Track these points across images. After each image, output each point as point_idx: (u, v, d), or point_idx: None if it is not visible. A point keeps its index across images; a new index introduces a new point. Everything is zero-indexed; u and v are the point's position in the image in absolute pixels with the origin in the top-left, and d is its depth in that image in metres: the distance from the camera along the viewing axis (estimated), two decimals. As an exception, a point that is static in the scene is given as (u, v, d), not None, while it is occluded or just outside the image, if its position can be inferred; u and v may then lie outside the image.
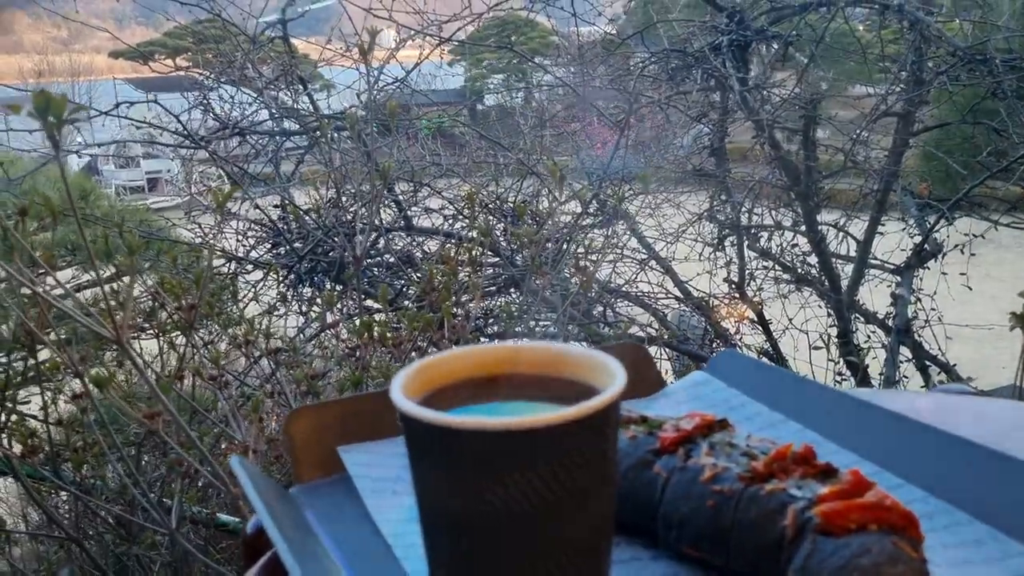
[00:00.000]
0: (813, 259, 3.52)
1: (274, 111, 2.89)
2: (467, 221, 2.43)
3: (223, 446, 1.81)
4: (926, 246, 3.91)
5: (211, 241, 2.52)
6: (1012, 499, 0.59)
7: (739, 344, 3.84)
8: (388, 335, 1.39)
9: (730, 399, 0.81)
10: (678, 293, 3.93)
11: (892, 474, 0.65)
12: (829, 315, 3.51)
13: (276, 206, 2.68)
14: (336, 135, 2.23)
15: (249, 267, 2.63)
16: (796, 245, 3.58)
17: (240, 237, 2.63)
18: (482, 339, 2.12)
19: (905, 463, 0.66)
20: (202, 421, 1.67)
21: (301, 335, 2.49)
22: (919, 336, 3.83)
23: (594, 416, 0.41)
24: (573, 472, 0.41)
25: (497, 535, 0.42)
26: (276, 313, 2.33)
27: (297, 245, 2.53)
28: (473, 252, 1.69)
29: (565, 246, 2.11)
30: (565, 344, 0.50)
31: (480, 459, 0.41)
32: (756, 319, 3.86)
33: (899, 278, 3.90)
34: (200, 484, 1.82)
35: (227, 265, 2.43)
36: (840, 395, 0.77)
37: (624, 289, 3.51)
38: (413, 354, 1.62)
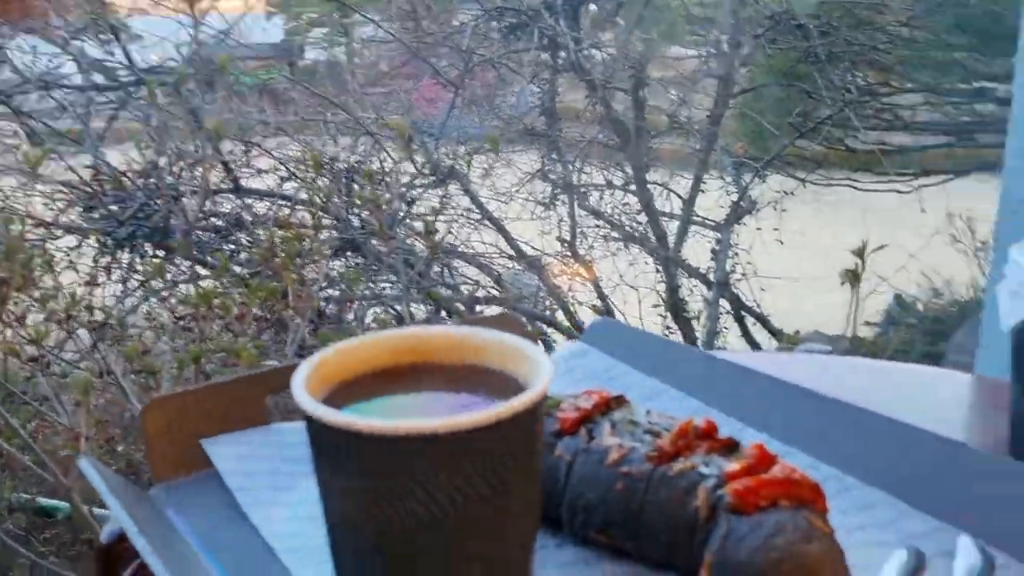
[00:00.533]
0: (643, 217, 3.63)
1: (83, 64, 2.64)
2: (301, 183, 2.32)
3: (39, 430, 1.65)
4: (742, 203, 4.13)
5: (15, 205, 2.28)
6: (898, 461, 0.61)
7: (572, 301, 3.91)
8: (231, 306, 1.30)
9: (610, 369, 0.80)
10: (512, 252, 3.95)
11: (778, 441, 0.66)
12: (658, 271, 3.64)
13: (88, 166, 2.46)
14: (156, 91, 2.06)
15: (58, 232, 2.40)
16: (627, 204, 3.67)
17: (48, 201, 2.40)
18: (323, 304, 2.04)
19: (789, 428, 0.67)
20: (17, 403, 1.52)
21: (121, 305, 2.31)
22: (736, 289, 4.05)
23: (525, 413, 0.38)
24: (502, 474, 0.38)
25: (416, 547, 0.39)
26: (96, 283, 2.15)
27: (114, 208, 2.34)
28: (316, 215, 1.61)
29: (406, 207, 2.06)
30: (483, 330, 0.47)
31: (399, 466, 0.38)
32: (588, 277, 3.95)
33: (718, 234, 4.11)
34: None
35: (37, 231, 2.21)
36: (717, 361, 0.78)
37: (460, 250, 3.49)
38: (254, 325, 1.53)
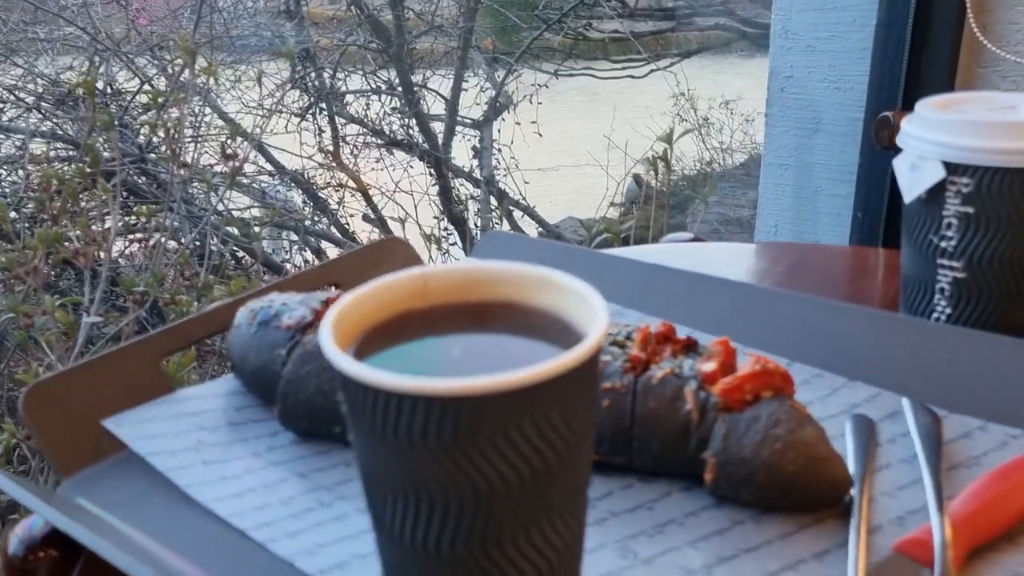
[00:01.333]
0: (413, 122, 3.56)
1: None
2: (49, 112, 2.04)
3: None
4: (499, 100, 4.18)
5: None
6: (823, 336, 0.65)
7: (343, 216, 3.82)
8: (13, 262, 1.14)
9: (513, 284, 0.78)
10: (272, 169, 3.77)
11: (702, 332, 0.68)
12: (431, 175, 3.61)
13: None
14: None
15: None
16: (396, 108, 3.59)
17: None
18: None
19: (708, 318, 0.69)
20: None
21: None
22: (503, 184, 4.13)
23: (590, 359, 0.36)
24: (579, 417, 0.36)
25: (499, 507, 0.36)
26: None
27: None
28: (96, 148, 1.42)
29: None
30: (511, 265, 0.43)
31: (471, 426, 0.34)
32: (356, 187, 3.86)
33: (479, 132, 4.14)
34: None
35: None
36: (615, 259, 0.78)
37: (220, 170, 3.27)
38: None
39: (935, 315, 0.66)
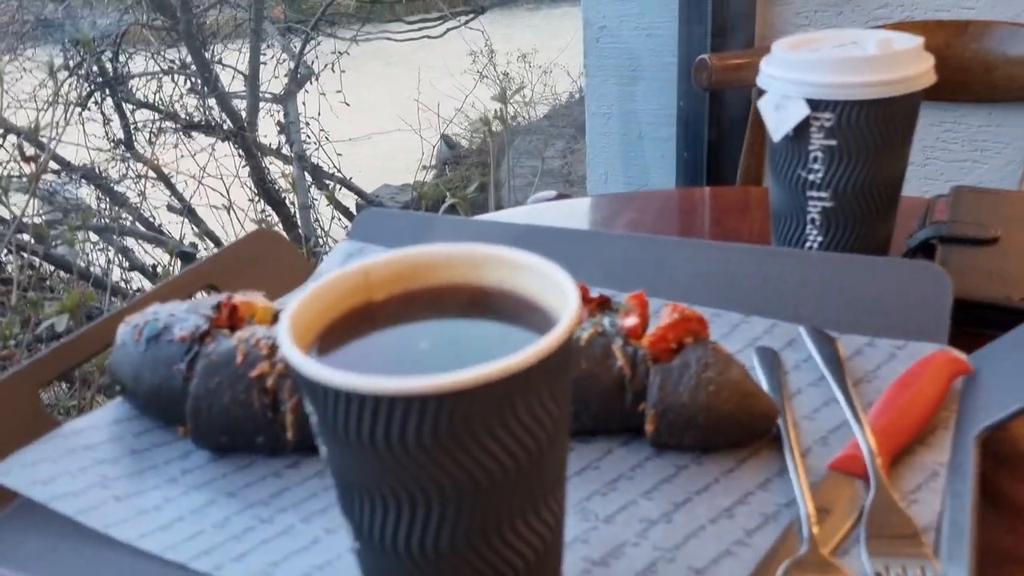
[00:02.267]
0: (209, 101, 3.39)
1: None
2: None
3: None
4: (299, 71, 4.04)
5: None
6: (709, 277, 0.67)
7: (147, 209, 3.60)
8: None
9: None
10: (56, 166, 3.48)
11: (601, 287, 0.69)
12: (239, 156, 3.46)
13: None
14: None
15: None
16: (191, 89, 3.39)
17: None
18: None
19: (601, 272, 0.70)
20: None
21: None
22: (315, 159, 4.02)
23: (570, 334, 0.35)
24: (549, 408, 0.36)
25: (482, 501, 0.35)
26: None
27: None
28: None
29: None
30: (454, 247, 0.42)
31: (462, 421, 0.33)
32: (157, 175, 3.64)
33: (283, 106, 4.00)
34: None
35: None
36: (493, 224, 0.78)
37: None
38: None
39: (807, 244, 0.70)
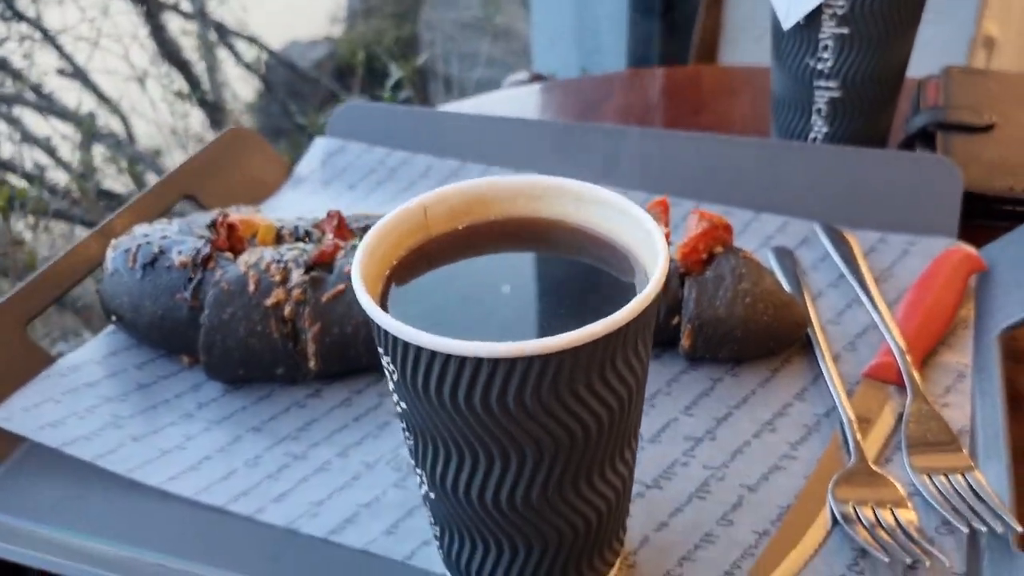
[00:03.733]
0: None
1: None
2: None
3: None
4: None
5: None
6: (715, 172, 0.66)
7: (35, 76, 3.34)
8: None
9: (385, 160, 0.73)
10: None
11: (605, 185, 0.67)
12: (140, 15, 3.22)
13: None
14: None
15: None
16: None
17: None
18: None
19: (611, 170, 0.68)
20: None
21: None
22: (218, 16, 3.78)
23: (664, 281, 0.33)
24: (641, 354, 0.34)
25: (577, 452, 0.34)
26: None
27: None
28: None
29: None
30: (514, 179, 0.39)
31: (566, 377, 0.31)
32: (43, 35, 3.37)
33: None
34: None
35: None
36: (475, 118, 0.75)
37: None
38: None
39: (812, 135, 0.69)
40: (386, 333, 0.32)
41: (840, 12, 0.63)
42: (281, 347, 0.52)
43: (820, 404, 0.50)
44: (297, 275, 0.52)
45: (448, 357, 0.31)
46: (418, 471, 0.37)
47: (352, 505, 0.46)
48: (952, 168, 0.61)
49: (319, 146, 0.75)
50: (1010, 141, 0.69)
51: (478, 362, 0.31)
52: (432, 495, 0.37)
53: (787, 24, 0.65)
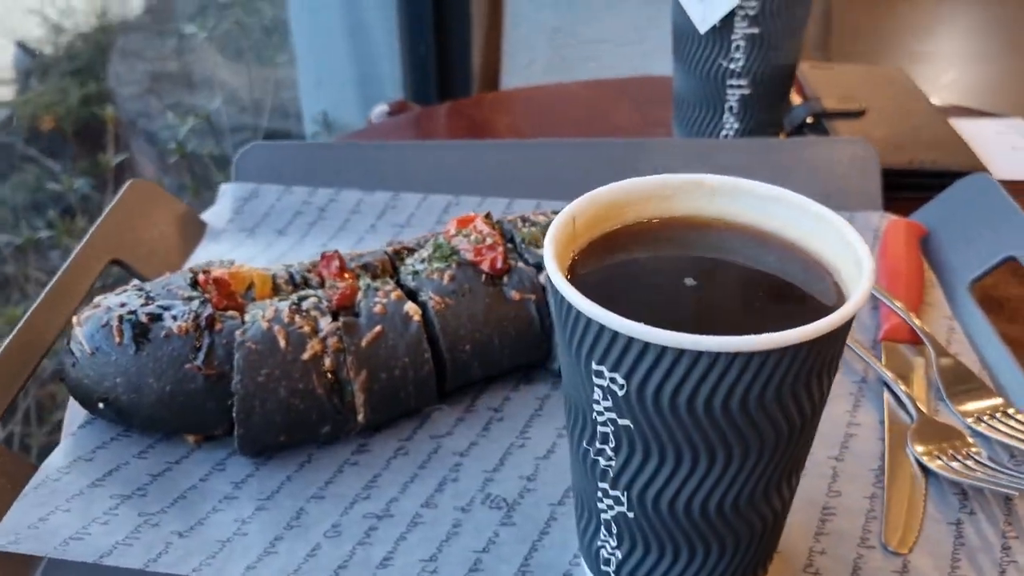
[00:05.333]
0: None
1: None
2: None
3: None
4: None
5: None
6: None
7: None
8: None
9: (310, 200, 0.68)
10: None
11: (496, 197, 0.68)
12: None
13: None
14: None
15: None
16: None
17: None
18: None
19: (536, 183, 0.69)
20: None
21: None
22: None
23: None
24: (838, 357, 0.35)
25: (772, 452, 0.34)
26: None
27: None
28: None
29: None
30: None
31: (789, 376, 0.31)
32: None
33: None
34: None
35: None
36: (404, 147, 0.73)
37: None
38: None
39: (723, 131, 0.73)
40: (630, 345, 0.31)
41: (752, 13, 0.67)
42: (327, 402, 0.46)
43: (852, 373, 0.53)
44: (326, 323, 0.47)
45: (710, 356, 0.30)
46: (613, 493, 0.35)
47: (468, 553, 0.42)
48: (869, 147, 0.68)
49: (228, 193, 0.69)
50: (885, 122, 0.77)
51: (732, 357, 0.30)
52: (630, 514, 0.36)
53: (704, 28, 0.68)
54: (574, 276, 0.35)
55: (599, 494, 0.36)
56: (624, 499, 0.35)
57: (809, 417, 0.34)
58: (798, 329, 0.30)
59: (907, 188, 0.70)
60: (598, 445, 0.35)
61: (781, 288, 0.36)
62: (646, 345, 0.31)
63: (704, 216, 0.39)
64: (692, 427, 0.32)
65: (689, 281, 0.36)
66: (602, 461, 0.35)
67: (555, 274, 0.33)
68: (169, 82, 3.93)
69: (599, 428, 0.34)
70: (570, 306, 0.32)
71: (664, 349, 0.30)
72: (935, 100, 0.84)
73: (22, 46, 4.82)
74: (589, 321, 0.32)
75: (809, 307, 0.35)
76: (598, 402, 0.34)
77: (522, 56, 1.70)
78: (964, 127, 0.80)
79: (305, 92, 1.94)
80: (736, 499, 0.34)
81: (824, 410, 0.48)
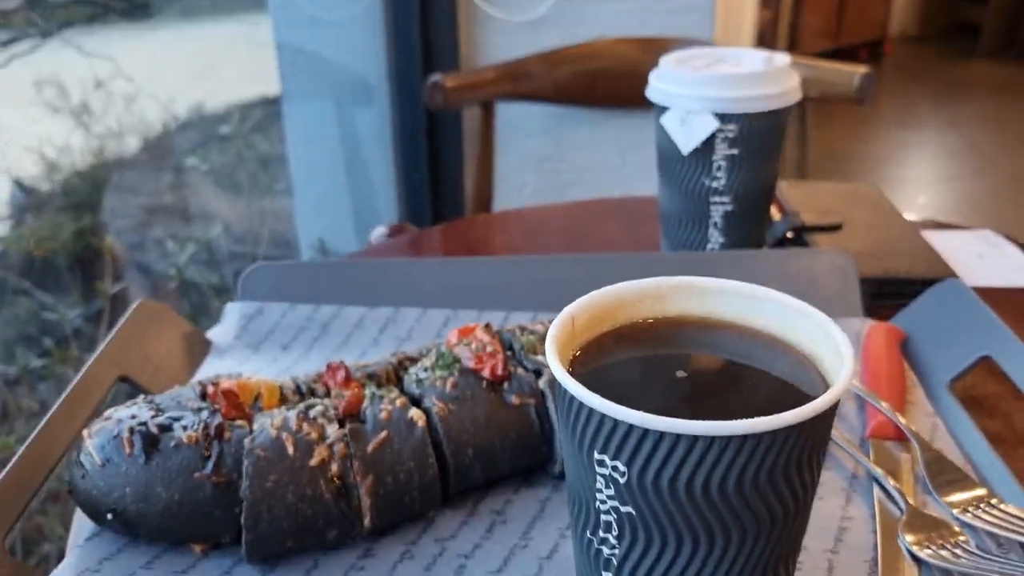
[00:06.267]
0: None
1: None
2: None
3: None
4: None
5: None
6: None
7: None
8: None
9: (313, 317, 0.71)
10: None
11: (494, 310, 0.70)
12: None
13: None
14: None
15: None
16: None
17: None
18: None
19: (531, 296, 0.71)
20: None
21: None
22: None
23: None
24: (827, 441, 0.37)
25: (768, 537, 0.36)
26: None
27: None
28: None
29: None
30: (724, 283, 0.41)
31: (779, 461, 0.33)
32: None
33: None
34: None
35: None
36: (387, 264, 0.76)
37: None
38: None
39: (709, 245, 0.77)
40: (630, 432, 0.33)
41: (731, 136, 0.72)
42: (335, 508, 0.48)
43: (842, 470, 0.55)
44: (333, 430, 0.49)
45: (705, 440, 0.32)
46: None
47: None
48: (847, 258, 0.71)
49: (233, 311, 0.71)
50: (861, 235, 0.81)
51: (727, 441, 0.32)
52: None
53: (687, 150, 0.73)
54: (575, 372, 0.37)
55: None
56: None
57: (801, 500, 0.36)
58: (786, 413, 0.32)
59: (885, 296, 0.73)
60: (601, 534, 0.36)
61: (769, 378, 0.38)
62: (645, 432, 0.33)
63: (695, 315, 0.42)
64: (691, 510, 0.34)
65: (681, 374, 0.38)
66: (605, 550, 0.36)
67: (558, 369, 0.35)
68: (165, 214, 3.99)
69: (602, 517, 0.36)
70: (572, 398, 0.34)
71: (662, 435, 0.32)
72: (909, 217, 0.88)
73: (18, 183, 4.92)
74: (591, 411, 0.34)
75: (795, 394, 0.37)
76: (601, 491, 0.35)
77: (513, 181, 1.77)
78: (935, 238, 0.84)
79: (301, 220, 1.99)
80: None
81: (818, 504, 0.50)
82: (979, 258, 0.81)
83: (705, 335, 0.41)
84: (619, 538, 0.36)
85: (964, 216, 3.44)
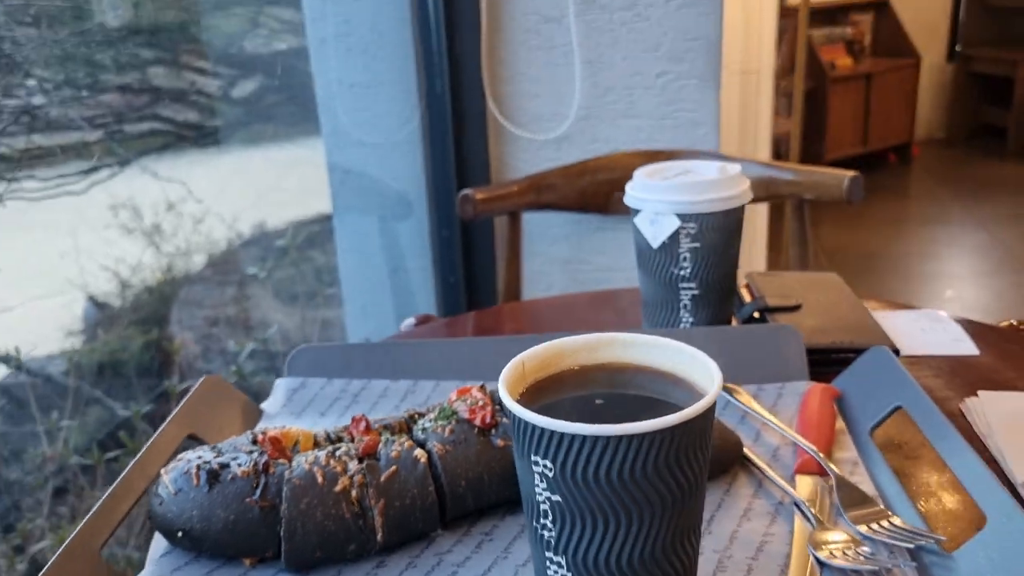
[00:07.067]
0: None
1: None
2: None
3: None
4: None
5: None
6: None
7: None
8: None
9: (346, 389, 0.85)
10: None
11: (495, 381, 0.83)
12: None
13: None
14: None
15: None
16: None
17: None
18: None
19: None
20: None
21: None
22: None
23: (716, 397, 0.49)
24: (707, 443, 0.49)
25: (671, 513, 0.48)
26: None
27: None
28: None
29: None
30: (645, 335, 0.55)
31: (672, 452, 0.46)
32: None
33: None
34: None
35: None
36: (413, 345, 0.89)
37: None
38: None
39: (681, 324, 0.90)
40: (552, 437, 0.46)
41: (692, 232, 0.86)
42: (353, 525, 0.61)
43: (770, 499, 0.66)
44: (354, 465, 0.63)
45: (603, 439, 0.45)
46: (556, 559, 0.49)
47: None
48: (796, 332, 0.84)
49: (281, 386, 0.86)
50: (815, 313, 0.94)
51: (618, 440, 0.45)
52: (570, 575, 0.49)
53: (655, 244, 0.87)
54: (521, 401, 0.51)
55: (547, 562, 0.50)
56: (565, 563, 0.49)
57: (690, 485, 0.48)
58: (665, 417, 0.45)
59: (832, 363, 0.85)
60: (542, 520, 0.49)
61: (661, 402, 0.51)
62: (562, 435, 0.46)
63: (617, 362, 0.55)
64: (601, 496, 0.46)
65: (599, 401, 0.51)
66: (546, 534, 0.49)
67: (505, 396, 0.49)
68: (227, 325, 4.22)
69: (541, 506, 0.49)
70: (517, 417, 0.48)
71: (574, 437, 0.45)
72: (872, 304, 1.00)
73: (93, 300, 5.20)
74: (528, 424, 0.47)
75: (677, 409, 0.50)
76: (538, 485, 0.48)
77: (540, 282, 1.92)
78: (886, 317, 0.96)
79: (350, 322, 2.16)
80: (643, 553, 0.47)
81: (745, 524, 0.62)
82: (922, 332, 0.93)
83: (622, 375, 0.54)
84: (554, 522, 0.48)
85: (989, 308, 3.50)
